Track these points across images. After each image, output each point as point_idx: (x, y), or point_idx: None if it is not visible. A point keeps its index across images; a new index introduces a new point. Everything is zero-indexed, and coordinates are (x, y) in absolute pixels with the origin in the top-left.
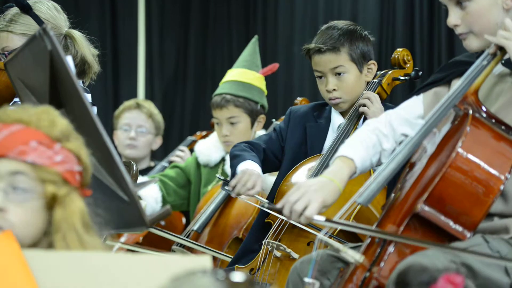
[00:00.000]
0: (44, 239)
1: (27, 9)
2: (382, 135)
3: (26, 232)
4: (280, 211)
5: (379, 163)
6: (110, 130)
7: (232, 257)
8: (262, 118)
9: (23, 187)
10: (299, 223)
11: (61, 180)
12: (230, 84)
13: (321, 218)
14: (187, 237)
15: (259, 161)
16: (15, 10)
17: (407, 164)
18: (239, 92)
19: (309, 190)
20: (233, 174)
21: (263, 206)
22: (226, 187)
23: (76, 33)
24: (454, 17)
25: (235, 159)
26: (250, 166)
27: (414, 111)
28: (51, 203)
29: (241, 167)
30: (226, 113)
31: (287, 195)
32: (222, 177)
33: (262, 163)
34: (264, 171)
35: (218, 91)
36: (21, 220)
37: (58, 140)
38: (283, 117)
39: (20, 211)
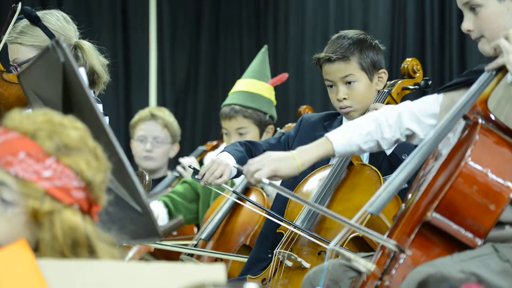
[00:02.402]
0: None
1: (36, 21)
2: (386, 124)
3: (7, 245)
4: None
5: (374, 150)
6: (123, 140)
7: (238, 257)
8: (270, 129)
9: (6, 199)
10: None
11: (46, 196)
12: (239, 95)
13: (266, 181)
14: (195, 246)
15: (242, 155)
16: (24, 22)
17: (419, 171)
18: (247, 103)
19: (267, 158)
20: None
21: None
22: (196, 176)
23: (86, 44)
24: (467, 23)
25: None
26: (222, 156)
27: (427, 109)
28: (37, 219)
29: (215, 156)
30: (235, 124)
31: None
32: (192, 166)
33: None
34: None
35: (227, 101)
36: (2, 231)
37: (52, 154)
38: (288, 125)
39: (2, 223)
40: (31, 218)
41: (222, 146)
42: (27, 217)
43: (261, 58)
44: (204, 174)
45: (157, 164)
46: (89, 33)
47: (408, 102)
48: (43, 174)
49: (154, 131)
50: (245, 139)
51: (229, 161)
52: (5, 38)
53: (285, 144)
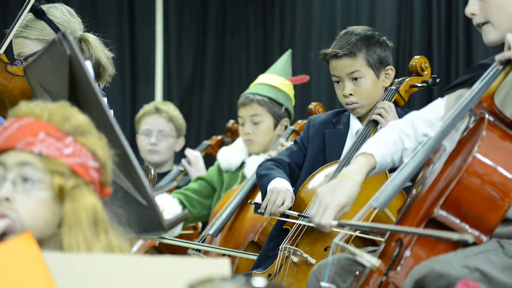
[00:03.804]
0: (58, 233)
1: (40, 14)
2: (404, 134)
3: (34, 223)
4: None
5: (400, 162)
6: (128, 134)
7: (244, 254)
8: (285, 121)
9: (31, 177)
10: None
11: (70, 172)
12: (257, 86)
13: (335, 223)
14: (202, 242)
15: (287, 176)
16: (29, 15)
17: (424, 166)
18: (264, 92)
19: (324, 197)
20: (264, 194)
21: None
22: (259, 210)
23: (91, 37)
24: (472, 6)
25: (263, 179)
26: (277, 184)
27: (436, 112)
28: (61, 195)
29: (270, 186)
30: (249, 111)
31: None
32: (253, 202)
33: (289, 177)
34: (292, 185)
35: (245, 92)
36: (28, 210)
37: (70, 133)
38: (299, 122)
39: (27, 202)
40: (56, 195)
41: (236, 142)
42: (52, 195)
43: (285, 60)
44: (266, 207)
45: (162, 157)
46: (94, 26)
47: (415, 111)
48: (64, 151)
49: (158, 124)
50: (258, 128)
51: (287, 186)
52: (20, 22)
53: (301, 148)
